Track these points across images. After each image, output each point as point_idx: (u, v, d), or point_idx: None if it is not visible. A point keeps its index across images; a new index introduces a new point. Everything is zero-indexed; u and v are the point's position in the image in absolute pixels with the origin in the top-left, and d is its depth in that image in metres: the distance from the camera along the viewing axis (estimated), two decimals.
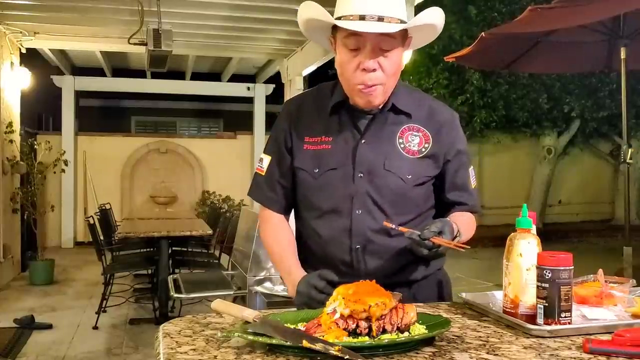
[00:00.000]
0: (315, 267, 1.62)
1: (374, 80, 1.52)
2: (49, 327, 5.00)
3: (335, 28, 1.56)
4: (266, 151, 1.74)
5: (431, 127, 1.64)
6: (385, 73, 1.53)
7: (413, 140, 1.61)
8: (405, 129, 1.62)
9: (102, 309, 5.18)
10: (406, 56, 1.71)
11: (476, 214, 1.73)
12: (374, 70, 1.52)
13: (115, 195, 10.10)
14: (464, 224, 1.60)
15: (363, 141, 1.60)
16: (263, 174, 1.72)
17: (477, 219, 1.75)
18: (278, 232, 1.72)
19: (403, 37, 1.56)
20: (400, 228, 1.48)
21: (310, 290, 1.46)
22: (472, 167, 1.73)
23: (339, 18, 1.51)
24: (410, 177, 1.59)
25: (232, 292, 3.45)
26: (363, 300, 1.13)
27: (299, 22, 1.63)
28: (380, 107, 1.62)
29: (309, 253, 1.68)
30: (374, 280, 1.22)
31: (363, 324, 1.12)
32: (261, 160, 1.74)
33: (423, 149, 1.61)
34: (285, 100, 1.74)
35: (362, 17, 1.46)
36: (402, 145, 1.60)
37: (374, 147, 1.60)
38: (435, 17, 1.55)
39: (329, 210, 1.61)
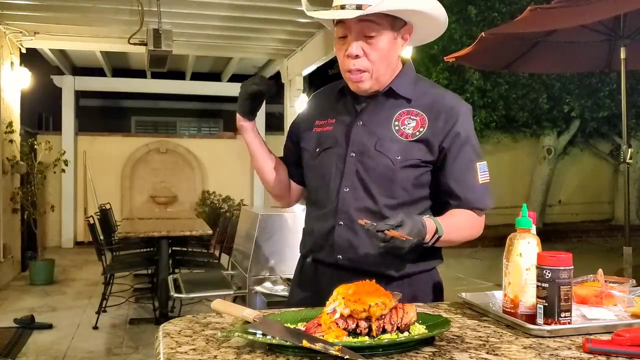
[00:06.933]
0: (309, 246, 1.72)
1: (357, 66, 1.57)
2: (49, 327, 5.00)
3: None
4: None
5: (430, 113, 1.61)
6: (370, 59, 1.57)
7: (409, 124, 1.60)
8: (403, 112, 1.62)
9: (102, 309, 5.18)
10: (406, 52, 1.71)
11: (481, 211, 1.64)
12: (357, 56, 1.57)
13: (115, 195, 10.10)
14: (454, 222, 1.56)
15: (360, 122, 1.64)
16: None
17: None
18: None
19: (391, 24, 1.57)
20: (362, 221, 1.41)
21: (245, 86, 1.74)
22: (482, 162, 1.64)
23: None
24: (399, 158, 1.57)
25: (232, 292, 3.44)
26: (363, 300, 1.13)
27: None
28: (378, 91, 1.64)
29: (305, 233, 1.77)
30: (374, 280, 1.21)
31: (363, 324, 1.12)
32: None
33: (417, 133, 1.59)
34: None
35: (342, 7, 1.53)
36: (396, 128, 1.60)
37: (369, 128, 1.63)
38: (408, 1, 1.53)
39: (321, 186, 1.67)
